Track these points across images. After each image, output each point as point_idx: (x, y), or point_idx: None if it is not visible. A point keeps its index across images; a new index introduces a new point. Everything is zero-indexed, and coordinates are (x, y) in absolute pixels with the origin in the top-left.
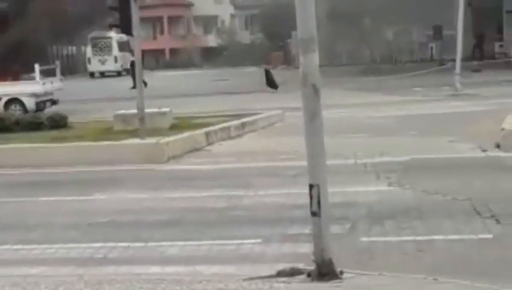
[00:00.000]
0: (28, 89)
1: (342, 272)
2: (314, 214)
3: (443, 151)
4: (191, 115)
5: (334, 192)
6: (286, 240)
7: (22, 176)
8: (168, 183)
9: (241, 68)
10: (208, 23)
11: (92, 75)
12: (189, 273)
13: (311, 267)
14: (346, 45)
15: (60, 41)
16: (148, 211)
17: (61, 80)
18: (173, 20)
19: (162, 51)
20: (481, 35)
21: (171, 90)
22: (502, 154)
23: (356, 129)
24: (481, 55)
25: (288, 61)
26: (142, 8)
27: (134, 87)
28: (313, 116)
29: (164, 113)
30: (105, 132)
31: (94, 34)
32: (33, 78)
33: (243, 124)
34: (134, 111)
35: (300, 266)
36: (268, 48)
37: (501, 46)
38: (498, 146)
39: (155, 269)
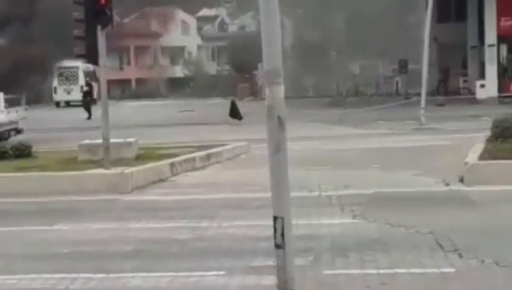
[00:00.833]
0: None
1: None
2: (278, 246)
3: (407, 185)
4: (157, 145)
5: (299, 224)
6: (250, 272)
7: None
8: (132, 213)
9: (207, 99)
10: (175, 54)
11: (57, 104)
12: None
13: None
14: (313, 78)
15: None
16: (112, 241)
17: (26, 109)
18: (140, 50)
19: (128, 81)
20: (446, 70)
21: (137, 120)
22: (465, 188)
23: (321, 162)
24: (446, 89)
25: (255, 93)
26: (109, 38)
27: (89, 118)
28: (277, 148)
29: (129, 144)
30: (70, 162)
31: (60, 63)
32: None
33: (208, 156)
34: (100, 141)
35: None
36: (235, 80)
37: (465, 81)
38: (461, 180)
39: None
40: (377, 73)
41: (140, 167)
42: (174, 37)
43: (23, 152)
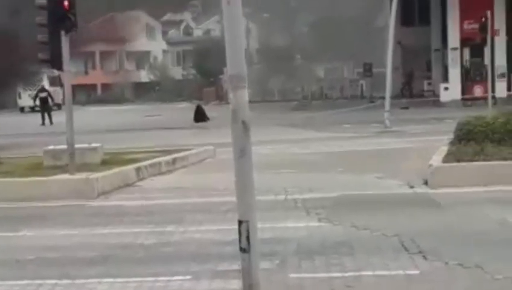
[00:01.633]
0: None
1: None
2: (243, 250)
3: (372, 188)
4: (122, 150)
5: (264, 228)
6: (216, 276)
7: None
8: (98, 219)
9: (173, 104)
10: (141, 58)
11: (22, 110)
12: None
13: None
14: (278, 81)
15: None
16: (77, 247)
17: None
18: (105, 55)
19: (93, 86)
20: (410, 73)
21: (103, 125)
22: (429, 190)
23: (286, 165)
24: (410, 92)
25: (220, 97)
26: (73, 42)
27: (43, 123)
28: (242, 152)
29: (94, 149)
30: (35, 168)
31: None
32: None
33: (174, 160)
34: (64, 146)
35: None
36: (201, 84)
37: (429, 84)
38: (426, 183)
39: None
40: (341, 76)
41: (106, 172)
42: (139, 42)
43: None
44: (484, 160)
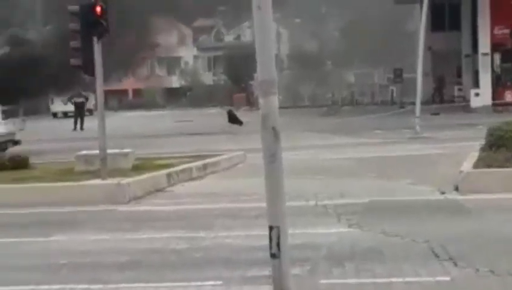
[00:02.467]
0: None
1: None
2: (273, 256)
3: (402, 194)
4: (153, 156)
5: (295, 233)
6: (246, 282)
7: None
8: (129, 224)
9: (204, 109)
10: (172, 64)
11: (54, 115)
12: None
13: None
14: (309, 87)
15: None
16: (109, 252)
17: (23, 120)
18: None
19: (125, 92)
20: (441, 79)
21: (134, 131)
22: (460, 196)
23: (317, 171)
24: (441, 98)
25: (251, 102)
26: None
27: (75, 129)
28: (272, 158)
29: (126, 154)
30: (67, 173)
31: None
32: None
33: (205, 165)
34: (96, 152)
35: None
36: (231, 89)
37: (460, 89)
38: (456, 189)
39: None
40: (372, 82)
41: (137, 178)
42: (170, 48)
43: (20, 163)
44: None
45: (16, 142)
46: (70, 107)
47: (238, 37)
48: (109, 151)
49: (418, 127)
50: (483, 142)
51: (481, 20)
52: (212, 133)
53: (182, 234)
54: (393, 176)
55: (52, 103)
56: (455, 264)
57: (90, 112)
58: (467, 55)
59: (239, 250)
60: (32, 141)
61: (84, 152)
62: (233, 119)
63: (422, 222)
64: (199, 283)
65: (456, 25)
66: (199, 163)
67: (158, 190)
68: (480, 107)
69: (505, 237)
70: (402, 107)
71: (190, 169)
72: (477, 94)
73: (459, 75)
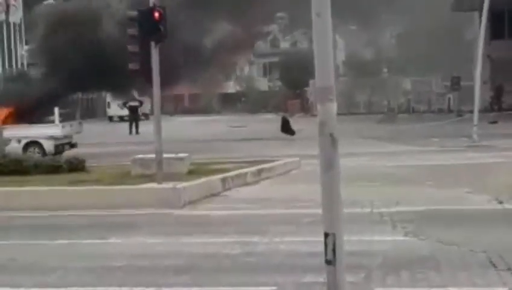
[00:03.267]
0: (47, 131)
1: None
2: (328, 262)
3: (459, 203)
4: (208, 160)
5: (350, 240)
6: (300, 288)
7: (38, 219)
8: (184, 228)
9: (258, 115)
10: (228, 69)
11: (110, 119)
12: None
13: None
14: (365, 94)
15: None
16: (164, 255)
17: (80, 123)
18: None
19: (181, 96)
20: (499, 87)
21: (189, 135)
22: None
23: (372, 178)
24: (499, 106)
25: (305, 109)
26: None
27: (130, 132)
28: (329, 165)
29: (182, 159)
30: (123, 176)
31: None
32: (52, 121)
33: (260, 171)
34: (152, 156)
35: None
36: (286, 96)
37: None
38: None
39: None
40: (429, 90)
41: (192, 182)
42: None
43: (77, 166)
44: None
45: (73, 145)
46: (126, 111)
47: (294, 44)
48: (165, 155)
49: (475, 136)
50: None
51: None
52: (266, 138)
53: (236, 238)
54: (450, 185)
55: (109, 106)
56: None
57: (147, 116)
58: None
59: (293, 256)
60: (88, 144)
61: (140, 156)
62: (286, 128)
63: (479, 231)
64: (253, 288)
65: None
66: (254, 168)
67: (213, 195)
68: None
69: None
70: (459, 115)
71: (245, 174)
72: None
73: None
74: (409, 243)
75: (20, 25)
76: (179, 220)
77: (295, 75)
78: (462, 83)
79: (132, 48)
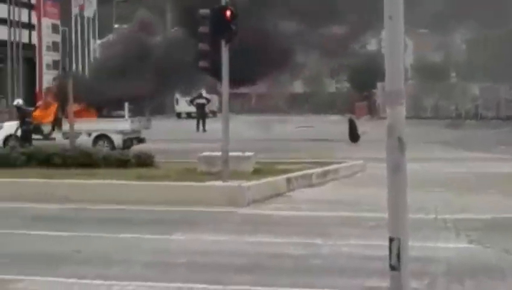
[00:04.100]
0: (116, 126)
1: None
2: (393, 267)
3: None
4: (274, 160)
5: (414, 246)
6: None
7: (105, 212)
8: (248, 227)
9: (325, 116)
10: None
11: (178, 115)
12: None
13: None
14: (432, 98)
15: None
16: (227, 253)
17: (148, 119)
18: None
19: (248, 95)
20: None
21: (255, 134)
22: None
23: (438, 183)
24: None
25: (372, 111)
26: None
27: (197, 130)
28: (396, 168)
29: (248, 157)
30: (189, 173)
31: None
32: (122, 116)
33: (325, 172)
34: (218, 153)
35: None
36: (353, 97)
37: None
38: None
39: None
40: (497, 96)
41: (257, 181)
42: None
43: (145, 161)
44: None
45: (141, 140)
46: (193, 108)
47: (363, 46)
48: (231, 153)
49: None
50: None
51: None
52: (333, 140)
53: (299, 239)
54: None
55: (177, 103)
56: None
57: (214, 113)
58: None
59: (357, 259)
60: (156, 140)
61: (206, 153)
62: (352, 133)
63: None
64: None
65: None
66: (319, 170)
67: (277, 195)
68: None
69: None
70: None
71: (310, 175)
72: None
73: None
74: (473, 251)
75: (93, 19)
76: (243, 218)
77: (363, 77)
78: None
79: (203, 45)
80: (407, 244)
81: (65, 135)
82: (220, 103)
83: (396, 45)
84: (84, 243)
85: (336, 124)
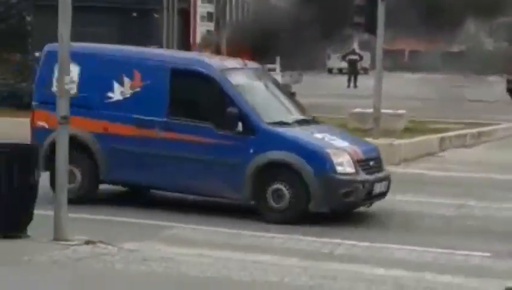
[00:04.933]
0: None
1: None
2: None
3: None
4: (426, 119)
5: None
6: None
7: None
8: (398, 186)
9: (482, 76)
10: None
11: (330, 71)
12: (413, 279)
13: None
14: None
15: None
16: (375, 212)
17: (299, 74)
18: None
19: (401, 52)
20: None
21: (408, 92)
22: None
23: None
24: None
25: None
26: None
27: (348, 86)
28: None
29: (399, 115)
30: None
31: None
32: (273, 70)
33: (479, 134)
34: (370, 110)
35: None
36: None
37: None
38: None
39: (379, 270)
40: None
41: (409, 140)
42: None
43: None
44: None
45: (292, 94)
46: (345, 64)
47: None
48: (383, 111)
49: None
50: None
51: None
52: (489, 101)
53: (451, 200)
54: None
55: (329, 58)
56: None
57: (366, 70)
58: None
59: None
60: (306, 95)
61: (357, 110)
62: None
63: None
64: (466, 253)
65: None
66: (474, 130)
67: (429, 154)
68: None
69: None
70: None
71: (464, 136)
72: None
73: None
74: None
75: None
76: (394, 177)
77: None
78: None
79: (359, 1)
80: None
81: None
82: (372, 59)
83: None
84: None
85: (492, 85)
